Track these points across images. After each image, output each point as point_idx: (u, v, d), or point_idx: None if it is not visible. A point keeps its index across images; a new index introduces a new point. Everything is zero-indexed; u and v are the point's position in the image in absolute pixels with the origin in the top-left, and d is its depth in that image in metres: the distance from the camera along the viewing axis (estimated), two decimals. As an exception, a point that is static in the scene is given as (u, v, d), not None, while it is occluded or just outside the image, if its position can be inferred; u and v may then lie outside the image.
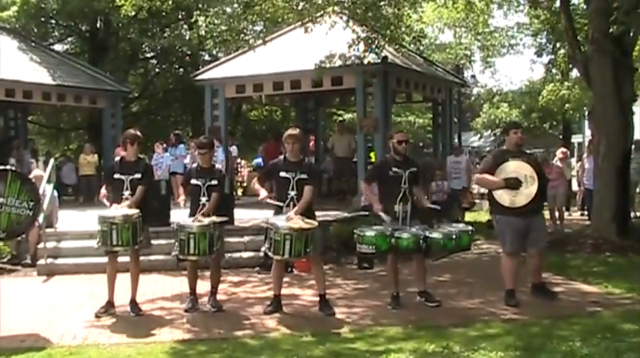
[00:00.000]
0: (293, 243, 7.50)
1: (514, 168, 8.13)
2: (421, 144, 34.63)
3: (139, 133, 8.43)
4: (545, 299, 8.27)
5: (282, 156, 8.18)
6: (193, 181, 8.23)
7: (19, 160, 17.11)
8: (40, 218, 11.13)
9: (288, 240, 7.50)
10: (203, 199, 8.12)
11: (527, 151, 8.77)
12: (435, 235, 7.83)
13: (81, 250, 10.76)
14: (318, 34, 13.36)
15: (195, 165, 8.60)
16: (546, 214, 14.36)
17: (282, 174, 7.93)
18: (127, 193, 8.02)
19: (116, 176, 8.14)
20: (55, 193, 12.58)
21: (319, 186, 8.30)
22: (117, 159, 8.54)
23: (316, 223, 7.72)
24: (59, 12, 22.64)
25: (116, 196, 8.11)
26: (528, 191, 8.05)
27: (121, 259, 8.31)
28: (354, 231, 8.15)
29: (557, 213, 14.63)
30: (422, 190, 8.44)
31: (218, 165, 9.34)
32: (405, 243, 7.77)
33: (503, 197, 8.14)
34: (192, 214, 8.17)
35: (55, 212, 12.37)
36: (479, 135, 35.42)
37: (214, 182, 8.21)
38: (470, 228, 8.33)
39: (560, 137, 29.57)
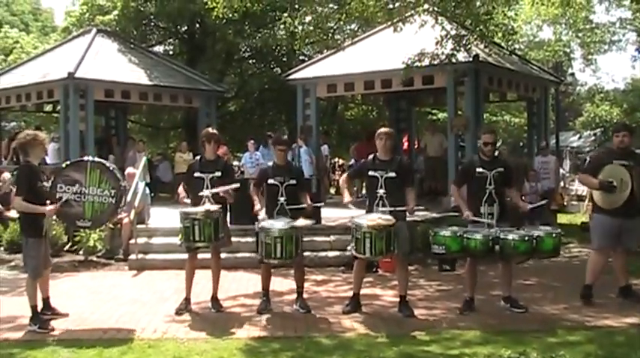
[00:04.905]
0: (373, 241, 7.42)
1: (609, 171, 8.12)
2: (521, 144, 33.82)
3: (215, 131, 8.48)
4: (633, 302, 8.10)
5: (371, 156, 8.10)
6: (270, 181, 8.12)
7: (116, 156, 17.72)
8: (132, 214, 11.55)
9: (368, 238, 7.43)
10: (281, 199, 8.02)
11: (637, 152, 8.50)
12: (509, 237, 7.60)
13: (170, 246, 11.01)
14: (407, 33, 13.23)
15: (270, 163, 8.54)
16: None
17: (371, 173, 7.88)
18: (207, 192, 8.03)
19: (196, 174, 8.16)
20: (147, 190, 12.93)
21: (413, 183, 8.24)
22: (197, 158, 8.61)
23: (393, 220, 7.58)
24: (157, 15, 23.17)
25: (196, 195, 8.08)
26: (620, 195, 8.01)
27: (203, 256, 8.46)
28: (429, 230, 8.04)
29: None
30: (514, 191, 8.24)
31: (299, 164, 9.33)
32: (473, 244, 7.61)
33: (598, 197, 8.27)
34: (269, 215, 8.06)
35: (147, 209, 12.72)
36: (578, 135, 34.33)
37: (293, 181, 8.12)
38: (557, 230, 8.06)
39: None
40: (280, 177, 8.10)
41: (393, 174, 7.79)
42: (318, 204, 8.79)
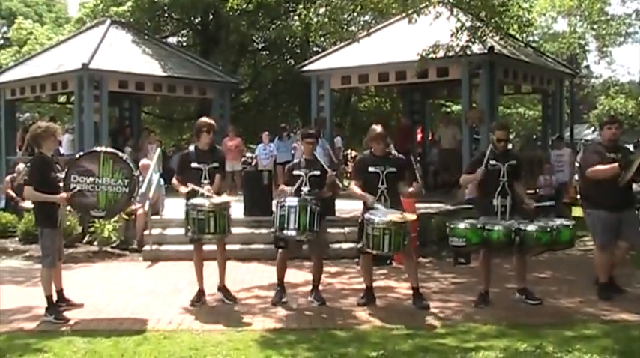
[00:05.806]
0: (392, 236, 7.43)
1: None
2: (534, 136, 33.69)
3: (212, 122, 8.33)
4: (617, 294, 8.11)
5: (367, 151, 8.13)
6: (295, 172, 8.13)
7: (134, 147, 17.76)
8: (147, 205, 11.58)
9: (388, 234, 7.43)
10: (305, 189, 7.97)
11: (623, 146, 8.32)
12: (529, 228, 7.56)
13: (184, 237, 10.88)
14: (422, 24, 13.17)
15: (297, 161, 8.51)
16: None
17: (371, 168, 7.86)
18: (205, 182, 7.98)
19: (194, 165, 8.05)
20: (162, 181, 12.95)
21: (415, 174, 8.24)
22: (191, 148, 8.49)
23: (415, 216, 7.59)
24: (171, 6, 23.22)
25: (194, 185, 7.99)
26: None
27: (212, 248, 8.46)
28: (446, 223, 8.01)
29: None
30: (522, 185, 8.18)
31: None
32: (495, 236, 7.55)
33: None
34: None
35: (162, 200, 12.74)
36: (592, 128, 34.09)
37: (317, 172, 8.10)
38: (572, 222, 8.02)
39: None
40: (305, 169, 8.10)
41: (393, 169, 7.82)
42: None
